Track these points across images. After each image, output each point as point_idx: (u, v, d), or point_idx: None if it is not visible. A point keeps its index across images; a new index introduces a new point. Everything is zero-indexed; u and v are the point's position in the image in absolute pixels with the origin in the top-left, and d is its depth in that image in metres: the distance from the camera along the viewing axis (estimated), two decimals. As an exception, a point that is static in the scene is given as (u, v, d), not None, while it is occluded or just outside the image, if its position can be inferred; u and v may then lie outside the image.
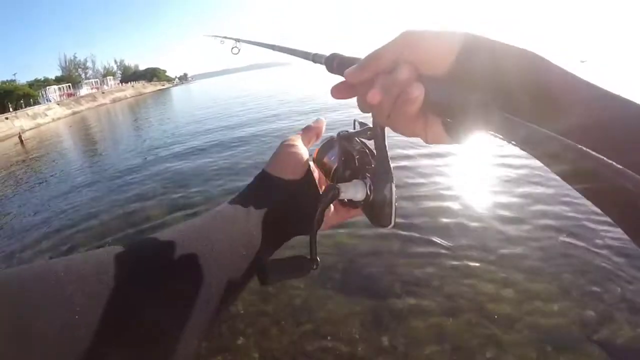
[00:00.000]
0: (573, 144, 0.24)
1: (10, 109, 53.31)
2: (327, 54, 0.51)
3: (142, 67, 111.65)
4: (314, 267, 0.47)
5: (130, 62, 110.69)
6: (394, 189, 0.46)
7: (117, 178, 9.20)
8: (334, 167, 0.53)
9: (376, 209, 0.48)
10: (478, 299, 2.91)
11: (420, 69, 0.35)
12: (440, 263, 3.38)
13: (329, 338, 2.73)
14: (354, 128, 0.56)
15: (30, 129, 43.74)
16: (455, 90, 0.34)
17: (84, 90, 73.48)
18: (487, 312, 2.77)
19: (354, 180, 0.49)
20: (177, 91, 74.56)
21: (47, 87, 65.47)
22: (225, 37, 1.58)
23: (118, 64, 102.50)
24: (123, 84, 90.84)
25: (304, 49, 0.63)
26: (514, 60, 0.34)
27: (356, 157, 0.52)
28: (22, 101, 57.18)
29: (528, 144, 0.28)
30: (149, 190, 7.30)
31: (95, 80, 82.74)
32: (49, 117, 50.97)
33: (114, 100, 70.31)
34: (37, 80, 67.99)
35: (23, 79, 67.90)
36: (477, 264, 3.30)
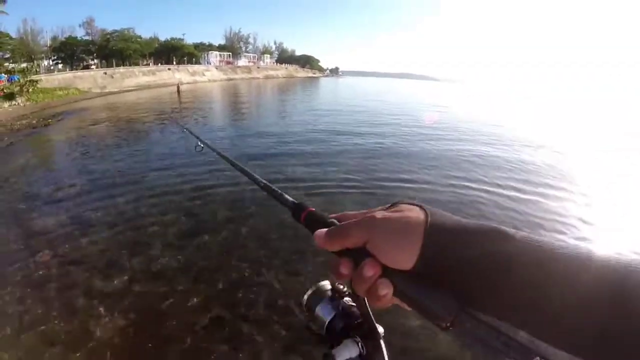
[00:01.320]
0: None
1: (174, 63, 55.09)
2: (294, 200, 0.52)
3: (298, 53, 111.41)
4: None
5: (288, 45, 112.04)
6: (383, 345, 0.48)
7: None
8: (327, 320, 0.51)
9: None
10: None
11: (386, 264, 0.36)
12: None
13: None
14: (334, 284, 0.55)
15: (188, 83, 44.29)
16: (422, 288, 0.34)
17: (242, 62, 75.43)
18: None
19: (345, 341, 0.49)
20: (326, 82, 73.05)
21: (210, 52, 68.41)
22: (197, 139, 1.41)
23: (277, 45, 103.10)
24: (277, 64, 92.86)
25: (271, 184, 0.60)
26: (475, 246, 0.33)
27: (347, 313, 0.51)
28: (185, 58, 58.77)
29: (492, 344, 0.29)
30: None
31: (254, 55, 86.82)
32: (206, 77, 51.67)
33: (266, 77, 70.49)
34: (201, 44, 72.12)
35: (190, 39, 72.27)
36: None
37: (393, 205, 0.40)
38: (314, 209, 0.47)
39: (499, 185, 7.02)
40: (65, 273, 3.95)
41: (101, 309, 3.38)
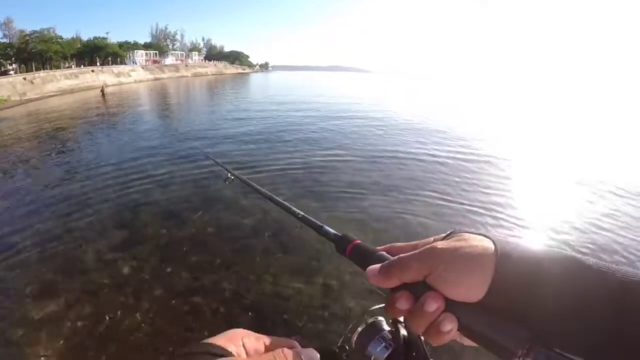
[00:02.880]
0: None
1: (98, 64, 54.81)
2: (337, 232, 0.49)
3: (227, 49, 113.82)
4: None
5: (216, 42, 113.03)
6: None
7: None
8: (383, 358, 0.46)
9: None
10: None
11: (451, 297, 0.34)
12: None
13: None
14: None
15: (113, 85, 44.74)
16: (491, 322, 0.32)
17: (169, 60, 75.64)
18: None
19: None
20: (256, 77, 75.49)
21: (135, 51, 67.85)
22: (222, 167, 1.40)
23: (205, 41, 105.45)
24: (206, 61, 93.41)
25: (308, 216, 0.57)
26: (551, 277, 0.31)
27: (403, 353, 0.47)
28: (109, 59, 58.80)
29: None
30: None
31: (181, 52, 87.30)
32: (132, 78, 51.89)
33: (195, 75, 71.47)
34: (126, 42, 70.59)
35: (114, 38, 71.02)
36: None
37: (451, 234, 0.39)
38: (359, 242, 0.46)
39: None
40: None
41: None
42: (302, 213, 0.59)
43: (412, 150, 10.22)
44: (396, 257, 0.39)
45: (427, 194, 6.75)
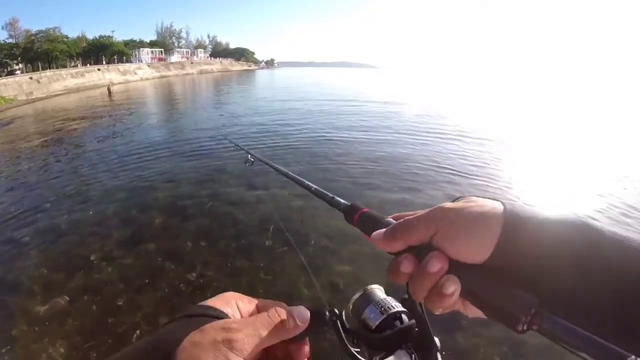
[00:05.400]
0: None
1: (104, 62, 54.93)
2: (347, 202, 0.50)
3: (232, 46, 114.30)
4: None
5: (222, 39, 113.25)
6: (439, 357, 0.45)
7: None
8: (376, 323, 0.46)
9: None
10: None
11: (455, 257, 0.33)
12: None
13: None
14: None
15: (119, 83, 44.80)
16: (496, 285, 0.31)
17: (175, 58, 75.68)
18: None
19: (398, 352, 0.46)
20: (261, 74, 75.19)
21: (141, 49, 67.76)
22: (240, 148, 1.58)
23: (210, 39, 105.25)
24: (212, 58, 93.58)
25: (321, 189, 0.61)
26: (560, 240, 0.30)
27: (400, 319, 0.47)
28: (115, 57, 58.72)
29: (578, 349, 0.26)
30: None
31: (187, 50, 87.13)
32: (138, 75, 52.03)
33: (200, 72, 71.33)
34: (132, 41, 70.57)
35: (120, 37, 70.84)
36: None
37: (460, 198, 0.38)
38: (367, 209, 0.45)
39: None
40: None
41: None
42: (315, 186, 0.63)
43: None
44: (402, 219, 0.38)
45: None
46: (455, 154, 8.84)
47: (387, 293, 0.50)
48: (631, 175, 7.56)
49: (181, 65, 68.99)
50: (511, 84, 58.55)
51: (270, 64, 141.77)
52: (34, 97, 30.84)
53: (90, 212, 5.67)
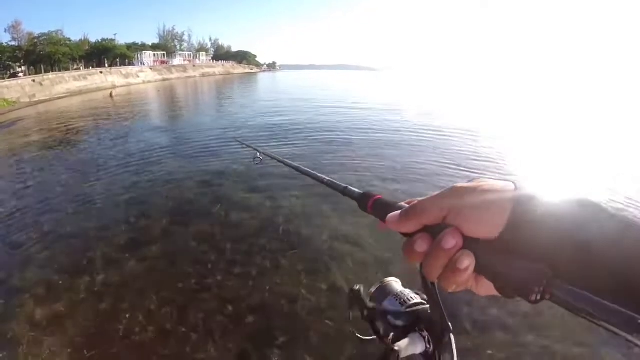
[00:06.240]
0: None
1: (106, 65, 54.91)
2: (360, 190, 0.51)
3: (234, 49, 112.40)
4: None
5: (224, 42, 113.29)
6: (453, 341, 0.44)
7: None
8: (394, 310, 0.50)
9: None
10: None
11: (469, 234, 0.34)
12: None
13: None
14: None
15: (121, 86, 44.85)
16: (509, 258, 0.32)
17: (177, 61, 75.47)
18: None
19: (411, 335, 0.47)
20: (263, 77, 75.39)
21: (143, 52, 67.83)
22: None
23: (212, 42, 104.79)
24: (214, 61, 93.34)
25: (333, 179, 0.61)
26: (568, 217, 0.31)
27: (415, 303, 0.50)
28: (117, 60, 58.81)
29: (591, 316, 0.27)
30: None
31: (189, 53, 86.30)
32: (140, 78, 51.99)
33: (203, 75, 71.45)
34: (134, 44, 70.36)
35: (122, 40, 71.29)
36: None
37: (472, 180, 0.38)
38: (380, 196, 0.46)
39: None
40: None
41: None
42: (328, 178, 0.62)
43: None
44: (418, 200, 0.39)
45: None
46: (460, 151, 9.23)
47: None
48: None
49: (183, 68, 69.00)
50: (512, 84, 58.67)
51: (272, 67, 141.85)
52: (37, 99, 30.70)
53: (94, 214, 5.63)
